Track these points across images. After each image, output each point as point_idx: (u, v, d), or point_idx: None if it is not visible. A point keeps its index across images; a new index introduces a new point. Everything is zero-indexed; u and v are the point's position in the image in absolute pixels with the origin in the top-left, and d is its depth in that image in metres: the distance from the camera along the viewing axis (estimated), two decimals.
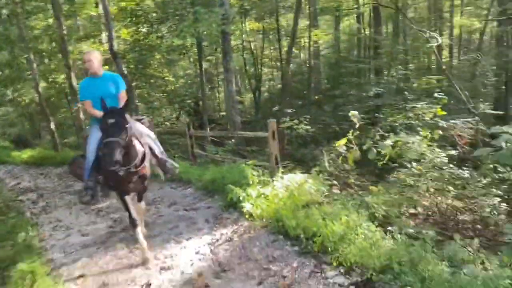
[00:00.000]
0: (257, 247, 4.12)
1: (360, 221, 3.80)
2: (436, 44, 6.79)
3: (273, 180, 5.10)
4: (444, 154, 5.93)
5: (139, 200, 4.59)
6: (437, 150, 5.75)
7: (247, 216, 4.79)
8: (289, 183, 4.76)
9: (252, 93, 18.70)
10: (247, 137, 8.72)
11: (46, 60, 17.14)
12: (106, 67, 15.79)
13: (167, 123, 16.77)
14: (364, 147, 5.03)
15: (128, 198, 4.28)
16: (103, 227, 5.62)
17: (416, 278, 2.82)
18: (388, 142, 5.48)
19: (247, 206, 4.77)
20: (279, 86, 18.68)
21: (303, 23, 18.74)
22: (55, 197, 8.27)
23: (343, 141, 5.21)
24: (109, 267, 4.16)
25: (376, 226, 3.77)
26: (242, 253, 4.05)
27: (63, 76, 17.83)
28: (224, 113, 17.91)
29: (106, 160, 3.56)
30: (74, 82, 14.52)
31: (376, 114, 8.52)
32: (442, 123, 6.68)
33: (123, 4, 14.98)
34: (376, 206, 4.06)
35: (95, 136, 4.33)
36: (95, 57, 4.49)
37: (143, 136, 4.39)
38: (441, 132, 5.63)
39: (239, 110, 11.60)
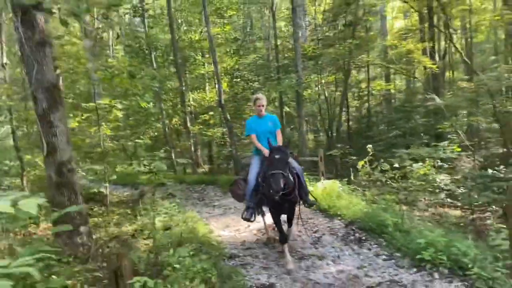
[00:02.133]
0: (303, 214, 7.78)
1: (357, 200, 7.32)
2: (434, 102, 9.94)
3: (317, 183, 8.77)
4: (448, 177, 9.14)
5: (290, 225, 5.37)
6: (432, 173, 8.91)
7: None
8: (325, 184, 8.37)
9: (325, 132, 22.29)
10: (313, 161, 12.31)
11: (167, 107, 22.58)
12: (212, 112, 20.73)
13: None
14: (373, 166, 8.49)
15: (280, 218, 5.19)
16: (219, 211, 9.65)
17: (369, 220, 6.28)
18: (395, 165, 8.85)
19: None
20: (351, 126, 22.06)
21: (375, 73, 22.23)
22: (184, 200, 12.60)
23: (361, 162, 8.72)
24: (227, 221, 8.10)
25: (366, 203, 7.25)
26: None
27: (175, 119, 23.24)
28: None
29: (273, 187, 4.32)
30: (188, 123, 19.55)
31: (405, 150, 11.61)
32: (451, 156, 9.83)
33: (225, 65, 19.94)
34: (368, 195, 7.53)
35: (256, 165, 5.34)
36: (265, 101, 5.59)
37: (295, 169, 5.10)
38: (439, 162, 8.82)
39: (307, 144, 15.30)
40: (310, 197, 5.57)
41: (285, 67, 15.94)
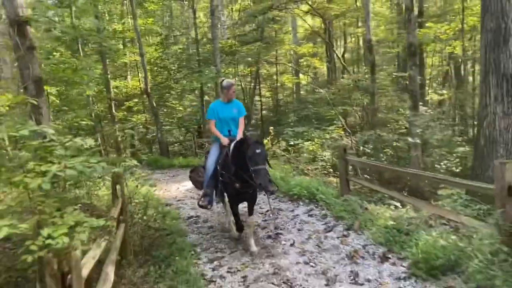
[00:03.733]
0: None
1: None
2: (322, 95, 12.89)
3: None
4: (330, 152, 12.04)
5: (250, 213, 5.20)
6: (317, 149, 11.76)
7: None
8: None
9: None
10: None
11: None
12: (135, 100, 22.07)
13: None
14: (273, 144, 11.11)
15: (238, 207, 5.10)
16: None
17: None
18: (289, 143, 11.58)
19: None
20: (264, 114, 24.91)
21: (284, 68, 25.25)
22: None
23: (265, 141, 11.32)
24: (160, 187, 10.16)
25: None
26: None
27: (99, 105, 24.14)
28: None
29: (261, 184, 4.22)
30: (113, 109, 20.79)
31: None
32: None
33: (148, 56, 21.45)
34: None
35: (214, 151, 5.16)
36: (235, 87, 5.36)
37: None
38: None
39: None
40: (272, 185, 5.21)
41: (205, 60, 18.07)
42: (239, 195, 4.89)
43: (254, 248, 4.89)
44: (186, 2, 20.37)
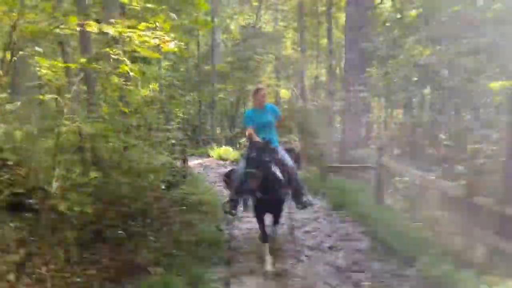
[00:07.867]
0: (212, 162, 16.31)
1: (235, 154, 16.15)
2: None
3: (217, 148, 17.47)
4: None
5: (275, 222, 4.91)
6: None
7: (210, 156, 17.07)
8: (223, 148, 17.05)
9: (228, 125, 31.04)
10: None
11: None
12: None
13: None
14: None
15: (263, 217, 4.83)
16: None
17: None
18: None
19: (210, 153, 17.08)
20: None
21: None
22: None
23: (242, 140, 17.57)
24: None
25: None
26: (209, 161, 16.25)
27: None
28: None
29: (244, 186, 4.42)
30: None
31: None
32: None
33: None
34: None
35: (245, 158, 4.94)
36: (266, 93, 5.61)
37: (287, 167, 4.85)
38: None
39: (216, 132, 24.01)
40: (305, 198, 5.19)
41: (204, 80, 24.28)
42: (261, 204, 4.73)
43: (268, 267, 4.46)
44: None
